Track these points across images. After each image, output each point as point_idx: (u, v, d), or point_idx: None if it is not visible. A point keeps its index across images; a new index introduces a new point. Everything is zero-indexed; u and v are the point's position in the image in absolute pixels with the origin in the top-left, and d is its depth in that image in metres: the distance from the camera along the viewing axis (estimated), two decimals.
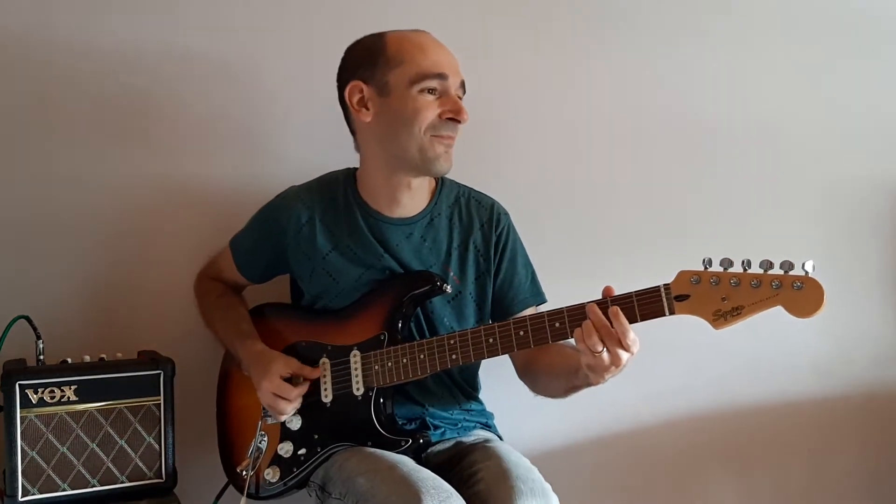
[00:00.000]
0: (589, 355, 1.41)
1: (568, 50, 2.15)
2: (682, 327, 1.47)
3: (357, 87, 1.63)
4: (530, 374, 1.71)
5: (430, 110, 1.58)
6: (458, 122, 1.59)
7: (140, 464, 1.65)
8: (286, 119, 1.96)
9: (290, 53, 1.95)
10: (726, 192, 2.27)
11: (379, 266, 1.66)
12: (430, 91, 1.58)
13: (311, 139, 1.96)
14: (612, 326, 1.39)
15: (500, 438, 1.76)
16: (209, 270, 1.85)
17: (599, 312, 1.40)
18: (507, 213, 1.77)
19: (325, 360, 1.65)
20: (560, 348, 1.59)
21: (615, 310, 1.39)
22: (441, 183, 1.75)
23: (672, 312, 1.39)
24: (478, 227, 1.72)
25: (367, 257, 1.67)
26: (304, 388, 1.61)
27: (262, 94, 1.94)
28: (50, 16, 1.80)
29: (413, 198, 1.69)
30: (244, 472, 1.66)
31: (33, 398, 1.57)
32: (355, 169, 1.75)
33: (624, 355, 1.40)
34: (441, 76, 1.59)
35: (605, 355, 1.39)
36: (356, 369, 1.61)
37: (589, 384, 1.50)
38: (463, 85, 1.64)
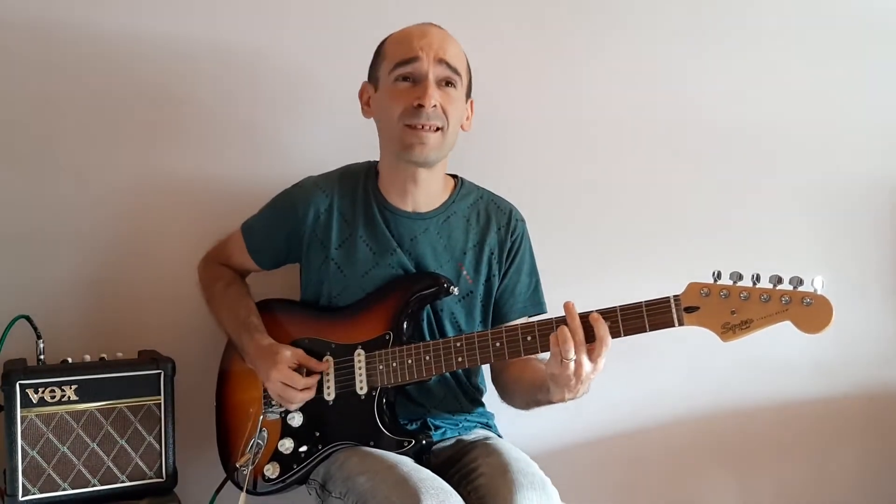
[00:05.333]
0: (556, 362, 1.41)
1: (572, 50, 2.15)
2: (684, 328, 1.47)
3: (365, 87, 1.69)
4: (501, 382, 1.74)
5: (401, 98, 1.58)
6: (423, 107, 1.56)
7: (140, 463, 1.65)
8: (291, 117, 1.95)
9: (297, 49, 1.94)
10: (727, 191, 2.27)
11: (390, 261, 1.66)
12: (405, 78, 1.59)
13: (317, 137, 1.96)
14: (590, 335, 1.41)
15: (500, 437, 1.75)
16: (216, 254, 1.83)
17: (577, 317, 1.42)
18: (523, 221, 1.77)
19: (328, 357, 1.64)
20: (530, 362, 1.62)
21: (595, 316, 1.41)
22: (460, 183, 1.76)
23: (681, 324, 1.41)
24: (494, 230, 1.73)
25: (379, 250, 1.67)
26: (312, 380, 1.61)
27: (268, 91, 1.93)
28: (50, 9, 1.79)
29: (423, 192, 1.69)
30: (243, 468, 1.65)
31: (34, 398, 1.57)
32: (377, 162, 1.76)
33: (587, 366, 1.40)
34: (413, 59, 1.58)
35: (572, 366, 1.40)
36: (360, 368, 1.61)
37: (550, 401, 1.51)
38: (449, 66, 1.60)
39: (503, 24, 2.10)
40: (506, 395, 1.72)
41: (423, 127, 1.58)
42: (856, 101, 2.37)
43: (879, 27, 2.39)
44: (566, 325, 1.41)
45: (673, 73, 2.22)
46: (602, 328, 1.40)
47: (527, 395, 1.62)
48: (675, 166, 2.23)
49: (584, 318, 1.42)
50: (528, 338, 1.49)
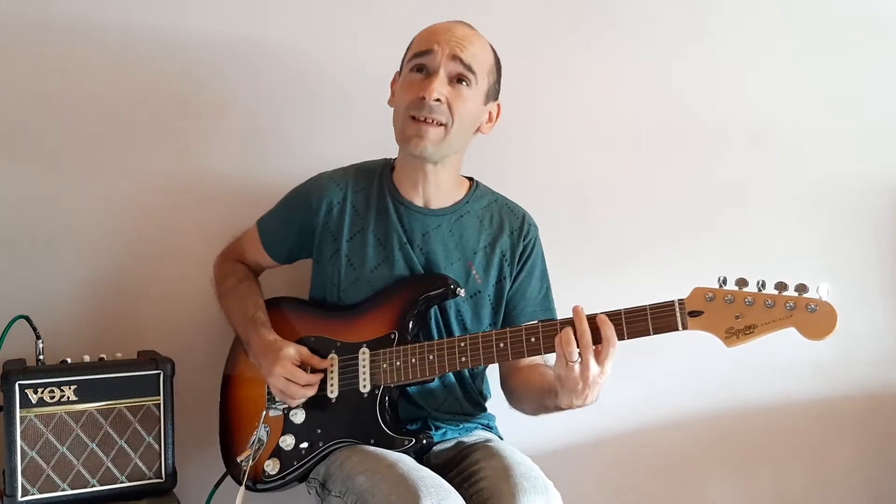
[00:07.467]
0: (562, 364, 1.42)
1: (570, 53, 2.15)
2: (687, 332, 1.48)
3: (395, 76, 1.71)
4: (508, 386, 1.74)
5: (410, 89, 1.59)
6: (423, 99, 1.56)
7: (140, 464, 1.65)
8: (298, 115, 1.94)
9: (306, 48, 1.94)
10: (727, 192, 2.27)
11: (399, 256, 1.66)
12: (420, 70, 1.59)
13: (324, 137, 1.95)
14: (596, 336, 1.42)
15: (501, 439, 1.75)
16: (231, 251, 1.83)
17: (585, 320, 1.42)
18: (536, 227, 1.77)
19: (333, 355, 1.64)
20: (538, 367, 1.64)
21: (602, 318, 1.42)
22: (475, 185, 1.76)
23: (685, 328, 1.41)
24: (507, 233, 1.73)
25: (389, 244, 1.67)
26: (315, 377, 1.60)
27: (274, 90, 1.93)
28: (53, 9, 1.78)
29: (433, 187, 1.68)
30: (243, 462, 1.65)
31: (33, 398, 1.57)
32: (393, 159, 1.76)
33: (594, 368, 1.41)
34: (427, 52, 1.59)
35: (577, 368, 1.41)
36: (364, 367, 1.61)
37: (558, 406, 1.51)
38: (463, 63, 1.58)
39: (505, 26, 2.09)
40: (514, 399, 1.72)
41: (424, 120, 1.58)
42: (856, 101, 2.36)
43: (879, 27, 2.39)
44: (573, 327, 1.42)
45: (673, 74, 2.22)
46: (608, 329, 1.41)
47: (534, 400, 1.62)
48: (675, 168, 2.23)
49: (591, 320, 1.43)
50: (532, 339, 1.49)
